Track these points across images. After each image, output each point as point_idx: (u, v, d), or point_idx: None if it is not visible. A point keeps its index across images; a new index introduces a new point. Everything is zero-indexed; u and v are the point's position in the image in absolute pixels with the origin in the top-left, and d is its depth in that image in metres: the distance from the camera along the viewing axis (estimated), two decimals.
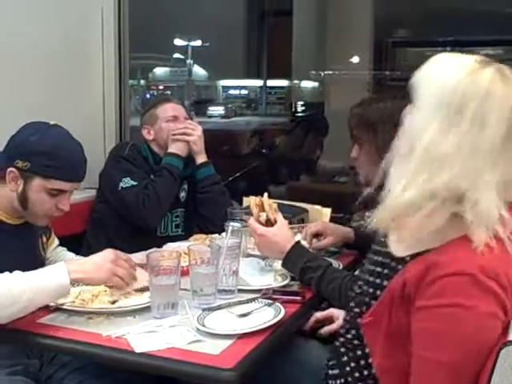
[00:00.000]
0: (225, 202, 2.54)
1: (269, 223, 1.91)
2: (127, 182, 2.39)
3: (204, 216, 2.56)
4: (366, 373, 1.42)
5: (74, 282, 1.63)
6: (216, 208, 2.49)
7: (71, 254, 2.08)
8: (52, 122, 1.81)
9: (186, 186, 2.61)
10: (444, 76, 1.20)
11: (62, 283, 1.57)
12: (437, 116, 1.17)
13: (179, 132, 2.52)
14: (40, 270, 1.60)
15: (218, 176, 2.62)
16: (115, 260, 1.64)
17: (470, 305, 1.10)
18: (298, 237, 2.14)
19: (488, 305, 1.11)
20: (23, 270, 1.61)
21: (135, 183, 2.39)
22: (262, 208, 1.92)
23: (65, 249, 2.10)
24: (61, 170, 1.74)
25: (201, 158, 2.57)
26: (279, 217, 1.91)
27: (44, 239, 1.97)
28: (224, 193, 2.61)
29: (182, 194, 2.60)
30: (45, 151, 1.72)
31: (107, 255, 1.65)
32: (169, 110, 2.59)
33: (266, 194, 1.95)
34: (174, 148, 2.52)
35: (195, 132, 2.53)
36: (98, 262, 1.64)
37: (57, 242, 2.09)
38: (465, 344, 1.11)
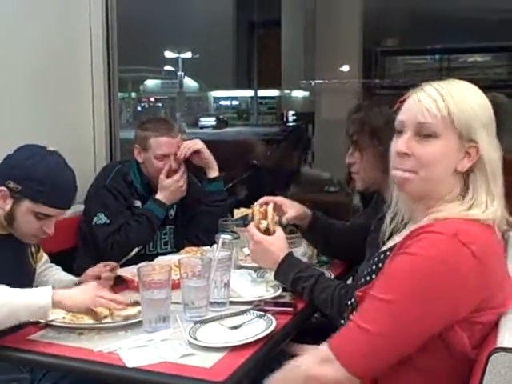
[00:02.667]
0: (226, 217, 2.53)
1: (267, 233, 1.91)
2: (101, 219, 2.37)
3: (201, 226, 2.52)
4: None
5: (57, 305, 1.60)
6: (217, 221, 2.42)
7: (64, 273, 2.10)
8: (50, 149, 1.84)
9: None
10: None
11: (44, 304, 1.56)
12: None
13: (170, 183, 2.44)
14: (26, 289, 1.60)
15: (226, 193, 2.64)
16: (99, 290, 1.68)
17: (423, 253, 1.21)
18: (297, 251, 2.14)
19: (445, 259, 1.20)
20: (12, 279, 1.62)
21: (108, 221, 2.36)
22: (264, 216, 1.92)
23: (59, 268, 2.12)
24: (51, 197, 1.77)
25: (213, 172, 2.56)
26: (278, 229, 1.92)
27: (33, 249, 1.99)
28: (227, 210, 2.57)
29: (171, 212, 2.56)
30: (38, 178, 1.75)
31: (92, 285, 1.71)
32: (162, 145, 2.45)
33: (271, 204, 1.96)
34: (162, 196, 2.45)
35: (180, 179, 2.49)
36: (83, 288, 1.70)
37: (46, 257, 2.11)
38: (403, 290, 1.22)
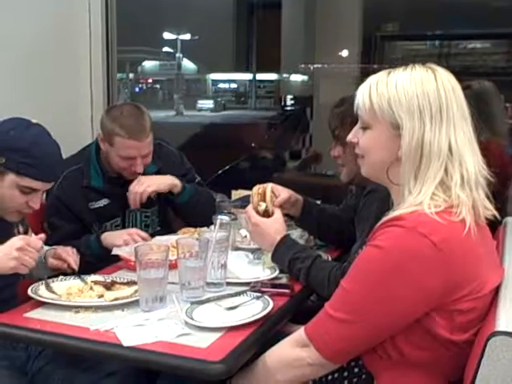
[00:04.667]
0: (211, 205, 2.38)
1: (266, 214, 1.91)
2: (46, 227, 2.24)
3: (193, 221, 2.39)
4: (356, 370, 1.43)
5: None
6: (204, 214, 2.28)
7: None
8: (34, 121, 1.79)
9: None
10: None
11: None
12: None
13: (119, 234, 2.15)
14: None
15: (197, 188, 2.45)
16: (22, 247, 1.58)
17: (384, 245, 1.26)
18: (294, 233, 2.13)
19: (404, 249, 1.25)
20: None
21: (49, 233, 2.16)
22: (263, 198, 1.92)
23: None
24: (35, 169, 1.73)
25: (176, 187, 2.35)
26: (277, 210, 1.91)
27: (21, 229, 1.94)
28: (208, 200, 2.41)
29: (154, 194, 2.37)
30: (21, 148, 1.71)
31: (14, 243, 1.60)
32: (128, 148, 2.20)
33: (270, 185, 1.95)
34: (104, 236, 2.17)
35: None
36: (4, 250, 1.59)
37: (34, 237, 2.07)
38: (364, 280, 1.29)
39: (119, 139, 2.20)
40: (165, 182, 2.33)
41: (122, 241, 2.06)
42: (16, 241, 1.60)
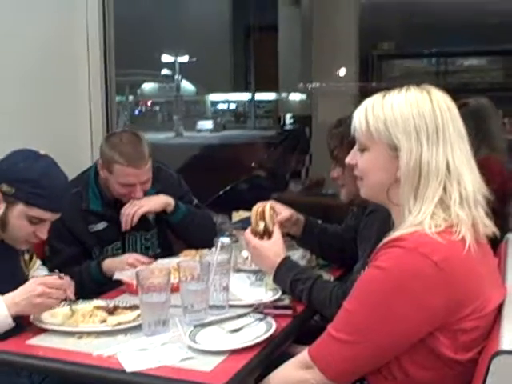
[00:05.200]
0: (209, 226, 2.43)
1: (266, 234, 1.91)
2: (47, 251, 2.23)
3: (191, 242, 2.39)
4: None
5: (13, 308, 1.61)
6: (202, 235, 2.32)
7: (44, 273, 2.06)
8: (42, 152, 1.83)
9: None
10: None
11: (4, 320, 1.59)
12: None
13: (119, 262, 2.13)
14: None
15: (191, 208, 2.44)
16: (43, 293, 1.60)
17: (385, 266, 1.27)
18: (295, 254, 2.13)
19: (404, 269, 1.25)
20: (5, 287, 1.63)
21: (49, 256, 2.20)
22: (262, 216, 1.92)
23: (44, 268, 2.11)
24: (44, 199, 1.76)
25: (170, 206, 2.35)
26: (276, 231, 1.91)
27: (26, 257, 1.98)
28: (205, 221, 2.45)
29: (152, 216, 2.41)
30: (31, 179, 1.74)
31: (34, 290, 1.60)
32: (127, 176, 2.22)
33: (268, 204, 1.95)
34: (106, 263, 2.17)
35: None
36: (29, 299, 1.60)
37: (39, 262, 2.10)
38: (367, 301, 1.29)
39: (118, 167, 2.21)
40: (157, 201, 2.34)
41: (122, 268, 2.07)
42: (34, 286, 1.61)
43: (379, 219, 1.63)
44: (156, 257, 2.26)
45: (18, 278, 1.87)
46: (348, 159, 1.49)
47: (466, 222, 1.30)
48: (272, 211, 1.94)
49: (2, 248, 1.83)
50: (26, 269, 1.97)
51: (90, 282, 2.13)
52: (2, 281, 1.77)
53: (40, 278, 1.65)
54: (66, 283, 1.84)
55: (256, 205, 1.96)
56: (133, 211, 2.26)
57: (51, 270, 2.03)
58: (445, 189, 1.31)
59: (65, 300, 1.79)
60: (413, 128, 1.32)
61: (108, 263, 2.16)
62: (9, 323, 1.59)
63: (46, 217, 1.79)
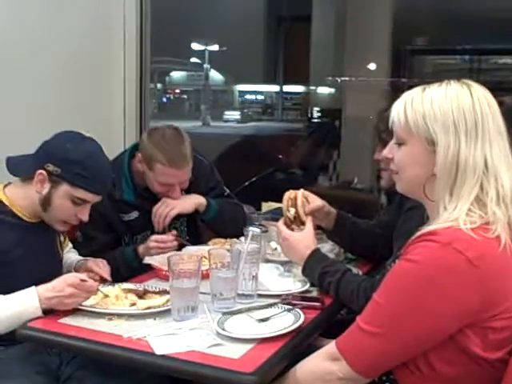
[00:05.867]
0: (240, 218, 2.43)
1: (297, 220, 1.91)
2: (80, 237, 2.25)
3: (223, 233, 2.39)
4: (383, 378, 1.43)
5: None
6: (234, 227, 2.31)
7: (74, 255, 2.11)
8: (87, 134, 1.85)
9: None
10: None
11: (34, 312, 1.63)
12: None
13: (153, 245, 2.14)
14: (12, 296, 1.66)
15: (223, 203, 2.43)
16: (72, 294, 1.62)
17: (417, 259, 1.25)
18: (324, 247, 2.13)
19: (438, 264, 1.23)
20: (41, 267, 1.71)
21: (83, 242, 2.22)
22: (294, 203, 1.92)
23: (75, 251, 2.15)
24: (89, 181, 1.78)
25: (201, 205, 2.36)
26: (308, 223, 1.91)
27: (61, 238, 2.02)
28: (236, 214, 2.45)
29: None
30: (78, 160, 1.76)
31: (63, 290, 1.62)
32: (168, 176, 2.22)
33: (301, 191, 1.95)
34: (142, 252, 2.17)
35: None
36: (59, 299, 1.63)
37: (70, 245, 2.14)
38: (397, 294, 1.28)
39: (160, 166, 2.19)
40: (190, 202, 2.34)
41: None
42: (65, 287, 1.63)
43: (418, 216, 1.62)
44: (184, 245, 2.26)
45: (53, 259, 1.93)
46: (385, 152, 1.48)
47: (502, 221, 1.28)
48: (304, 199, 1.94)
49: (42, 229, 1.86)
50: (60, 250, 2.00)
51: (125, 267, 2.16)
52: (40, 261, 1.82)
53: (71, 279, 1.65)
54: (104, 267, 1.92)
55: (288, 191, 1.96)
56: (165, 212, 2.26)
57: (84, 256, 2.09)
58: (481, 186, 1.30)
59: (104, 282, 1.83)
60: (451, 123, 1.31)
61: (142, 249, 2.19)
62: (38, 315, 1.62)
63: (89, 198, 1.81)
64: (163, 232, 2.26)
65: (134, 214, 2.34)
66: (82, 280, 1.65)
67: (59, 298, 1.62)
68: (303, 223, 1.90)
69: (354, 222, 2.16)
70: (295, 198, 1.92)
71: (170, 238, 2.16)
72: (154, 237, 2.16)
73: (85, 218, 1.85)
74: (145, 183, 2.32)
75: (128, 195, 2.33)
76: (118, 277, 1.94)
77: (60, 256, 1.99)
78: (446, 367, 1.31)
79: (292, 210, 1.90)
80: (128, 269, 2.13)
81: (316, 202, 2.02)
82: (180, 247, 2.18)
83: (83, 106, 2.72)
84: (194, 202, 2.35)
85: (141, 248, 2.19)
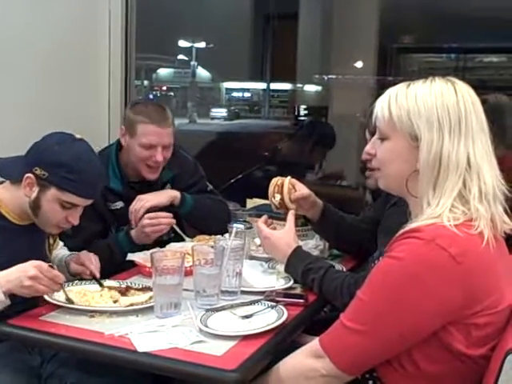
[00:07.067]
0: (222, 214, 2.43)
1: (283, 206, 1.90)
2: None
3: (204, 229, 2.39)
4: (370, 382, 1.42)
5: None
6: (215, 223, 2.32)
7: (64, 251, 2.08)
8: (78, 136, 1.81)
9: (169, 187, 2.45)
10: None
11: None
12: None
13: (144, 223, 2.17)
14: None
15: (199, 198, 2.43)
16: (35, 276, 1.56)
17: (401, 256, 1.25)
18: (309, 243, 2.13)
19: (421, 261, 1.24)
20: None
21: (71, 235, 2.12)
22: (280, 190, 1.91)
23: (65, 248, 2.11)
24: (77, 184, 1.74)
25: (176, 199, 2.35)
26: (289, 221, 1.91)
27: (51, 241, 1.98)
28: (218, 209, 2.45)
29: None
30: (65, 163, 1.72)
31: (27, 270, 1.57)
32: (150, 134, 2.26)
33: (288, 178, 1.95)
34: (135, 235, 2.20)
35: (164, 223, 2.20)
36: (17, 277, 1.56)
37: (61, 244, 2.10)
38: (381, 291, 1.28)
39: (142, 126, 2.25)
40: (163, 195, 2.34)
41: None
42: (29, 267, 1.57)
43: (402, 211, 1.62)
44: (168, 242, 2.26)
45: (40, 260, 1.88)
46: (368, 148, 1.48)
47: (484, 217, 1.29)
48: (291, 186, 1.94)
49: (30, 231, 1.82)
50: (49, 253, 1.97)
51: (119, 253, 2.16)
52: (23, 261, 1.77)
53: (38, 262, 1.60)
54: (96, 263, 1.88)
55: (276, 177, 1.96)
56: (139, 206, 2.25)
57: (74, 247, 2.07)
58: (464, 182, 1.30)
59: (91, 278, 1.81)
60: (435, 119, 1.31)
61: (134, 232, 2.20)
62: (2, 300, 1.56)
63: (78, 202, 1.77)
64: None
65: (120, 204, 2.34)
66: (50, 267, 1.61)
67: (20, 277, 1.55)
68: (287, 208, 1.91)
69: (340, 215, 2.16)
70: (282, 185, 1.92)
71: (163, 213, 2.17)
72: (147, 215, 2.17)
73: (75, 221, 1.81)
74: (131, 173, 2.34)
75: (114, 184, 2.33)
76: (112, 263, 2.00)
77: (48, 259, 1.95)
78: (430, 364, 1.31)
79: (277, 197, 1.91)
80: (122, 254, 2.12)
81: (303, 190, 2.02)
82: (164, 244, 2.16)
83: (68, 104, 2.69)
84: (168, 194, 2.35)
85: (133, 232, 2.20)
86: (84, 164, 1.76)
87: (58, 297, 1.67)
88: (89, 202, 1.82)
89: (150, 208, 2.25)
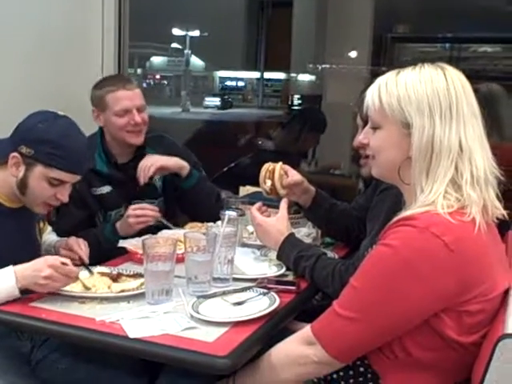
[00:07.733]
0: (214, 198, 2.43)
1: (273, 192, 1.90)
2: (54, 215, 2.19)
3: (196, 212, 2.41)
4: (362, 369, 1.42)
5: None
6: (208, 206, 2.35)
7: (52, 237, 2.08)
8: (61, 113, 1.80)
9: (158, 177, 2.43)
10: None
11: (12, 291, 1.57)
12: None
13: (136, 221, 2.13)
14: None
15: (202, 176, 2.45)
16: (50, 276, 1.57)
17: (395, 244, 1.25)
18: (301, 231, 2.13)
19: (415, 249, 1.24)
20: (19, 253, 1.63)
21: (56, 221, 2.17)
22: (271, 175, 1.91)
23: (53, 233, 2.10)
24: (63, 160, 1.72)
25: (184, 170, 2.35)
26: (282, 208, 1.90)
27: (41, 225, 1.97)
28: (212, 192, 2.45)
29: (159, 183, 2.44)
30: (50, 139, 1.71)
31: (42, 270, 1.57)
32: (120, 100, 2.26)
33: (279, 164, 1.94)
34: (121, 228, 2.16)
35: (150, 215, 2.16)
36: (35, 278, 1.57)
37: (49, 228, 2.09)
38: (374, 278, 1.28)
39: (110, 95, 2.26)
40: (174, 160, 2.35)
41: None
42: (44, 267, 1.57)
43: (390, 198, 1.62)
44: (159, 227, 2.23)
45: (32, 246, 1.89)
46: (360, 138, 1.48)
47: (477, 203, 1.29)
48: (282, 172, 1.94)
49: (22, 214, 1.82)
50: (39, 236, 1.96)
51: (106, 243, 2.14)
52: (18, 248, 1.77)
53: (52, 260, 1.60)
54: (85, 248, 1.89)
55: (267, 163, 1.96)
56: (149, 163, 2.26)
57: (59, 234, 2.06)
58: (456, 167, 1.30)
59: (81, 264, 1.80)
60: (426, 105, 1.31)
61: (119, 224, 2.18)
62: (16, 295, 1.57)
63: (65, 178, 1.76)
64: (147, 185, 2.29)
65: (106, 189, 2.32)
66: (63, 263, 1.61)
67: (36, 277, 1.56)
68: (278, 194, 1.91)
69: (332, 202, 2.16)
70: (273, 171, 1.92)
71: (148, 205, 2.16)
72: (132, 206, 2.16)
73: (64, 198, 1.80)
74: (118, 152, 2.33)
75: (100, 167, 2.32)
76: (100, 253, 1.96)
77: (38, 242, 1.95)
78: (421, 352, 1.31)
79: (268, 182, 1.91)
80: (109, 245, 2.11)
81: (295, 176, 2.01)
82: (156, 230, 2.15)
83: (60, 90, 2.67)
84: (178, 161, 2.35)
85: (118, 223, 2.18)
86: (69, 139, 1.75)
87: None
88: (77, 177, 1.81)
89: (159, 168, 2.27)
